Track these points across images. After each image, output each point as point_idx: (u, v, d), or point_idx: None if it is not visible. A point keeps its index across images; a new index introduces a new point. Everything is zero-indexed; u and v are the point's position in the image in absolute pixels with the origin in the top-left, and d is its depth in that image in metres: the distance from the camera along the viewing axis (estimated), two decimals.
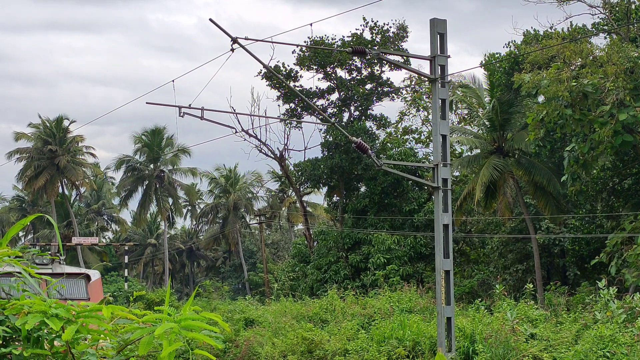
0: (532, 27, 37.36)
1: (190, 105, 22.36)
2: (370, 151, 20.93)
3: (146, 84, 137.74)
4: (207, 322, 4.03)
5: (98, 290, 20.99)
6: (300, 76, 45.42)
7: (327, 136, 44.29)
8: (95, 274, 21.35)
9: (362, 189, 46.08)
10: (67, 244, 61.73)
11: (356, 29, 44.74)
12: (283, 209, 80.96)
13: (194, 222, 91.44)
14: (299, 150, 47.79)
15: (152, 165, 74.23)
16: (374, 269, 40.90)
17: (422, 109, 51.12)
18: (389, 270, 39.83)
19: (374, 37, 43.96)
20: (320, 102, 45.74)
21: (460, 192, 39.91)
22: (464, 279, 40.90)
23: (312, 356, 23.54)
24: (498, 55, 40.62)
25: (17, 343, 4.14)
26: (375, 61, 43.43)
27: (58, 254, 21.93)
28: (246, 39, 19.67)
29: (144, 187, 73.95)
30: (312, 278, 44.11)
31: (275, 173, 68.35)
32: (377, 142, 45.05)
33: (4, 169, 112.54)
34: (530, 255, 38.51)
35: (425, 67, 34.36)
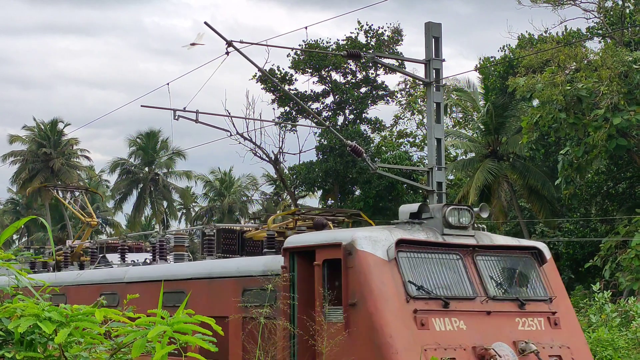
0: (526, 31, 37.48)
1: (185, 108, 22.34)
2: (365, 154, 20.93)
3: (143, 87, 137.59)
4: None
5: (556, 278, 12.29)
6: (295, 79, 45.46)
7: (322, 139, 44.29)
8: (545, 249, 12.39)
9: (357, 192, 46.09)
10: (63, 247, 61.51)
11: (351, 33, 44.83)
12: (278, 212, 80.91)
13: (189, 225, 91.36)
14: (294, 154, 47.65)
15: (146, 168, 74.14)
16: None
17: (416, 113, 51.17)
18: None
19: (368, 41, 44.00)
20: (315, 105, 45.74)
21: (455, 195, 39.94)
22: None
23: None
24: (493, 59, 40.70)
25: (10, 346, 4.12)
26: (370, 64, 43.45)
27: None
28: (241, 42, 19.69)
29: (139, 190, 73.83)
30: None
31: (270, 176, 68.26)
32: (371, 145, 45.07)
33: None
34: None
35: (420, 71, 34.38)
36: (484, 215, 12.18)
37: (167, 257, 15.99)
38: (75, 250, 20.50)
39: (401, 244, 10.85)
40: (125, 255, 17.23)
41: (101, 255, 18.57)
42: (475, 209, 11.97)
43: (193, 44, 22.62)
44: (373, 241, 10.76)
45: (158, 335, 3.75)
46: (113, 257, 18.01)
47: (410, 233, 11.21)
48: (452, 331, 10.53)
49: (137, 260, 17.07)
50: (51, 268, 20.64)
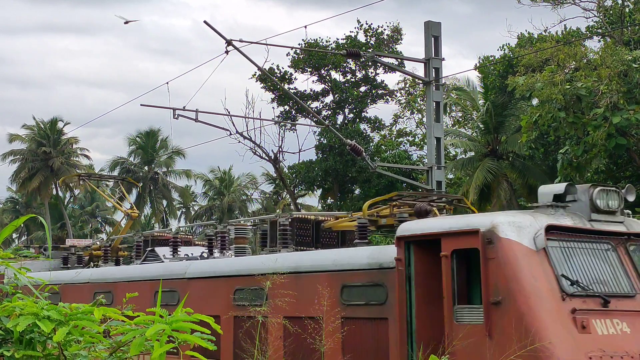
0: (526, 30, 37.52)
1: (184, 107, 22.38)
2: (364, 154, 20.96)
3: (142, 87, 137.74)
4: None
5: None
6: (295, 78, 45.48)
7: (322, 139, 44.31)
8: None
9: (357, 191, 46.10)
10: (61, 245, 61.56)
11: (350, 32, 44.86)
12: (277, 211, 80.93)
13: (188, 224, 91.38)
14: (294, 153, 47.78)
15: (146, 167, 74.17)
16: None
17: (416, 112, 51.18)
18: None
19: (368, 40, 44.01)
20: (315, 104, 45.76)
21: (455, 194, 39.94)
22: None
23: None
24: (492, 58, 40.69)
25: (9, 345, 4.14)
26: (370, 63, 43.45)
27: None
28: (241, 41, 19.72)
29: (138, 189, 73.86)
30: None
31: (269, 175, 68.34)
32: (371, 144, 45.08)
33: None
34: None
35: (419, 70, 34.39)
36: (631, 198, 10.30)
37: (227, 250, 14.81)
38: (113, 244, 19.21)
39: (550, 230, 9.22)
40: (178, 249, 15.77)
41: (149, 249, 17.08)
42: (622, 191, 10.23)
43: (127, 22, 24.46)
44: (518, 227, 9.09)
45: (157, 333, 3.76)
46: (163, 251, 16.45)
47: (555, 218, 9.54)
48: (615, 335, 8.96)
49: (192, 253, 15.69)
50: (91, 264, 19.37)
